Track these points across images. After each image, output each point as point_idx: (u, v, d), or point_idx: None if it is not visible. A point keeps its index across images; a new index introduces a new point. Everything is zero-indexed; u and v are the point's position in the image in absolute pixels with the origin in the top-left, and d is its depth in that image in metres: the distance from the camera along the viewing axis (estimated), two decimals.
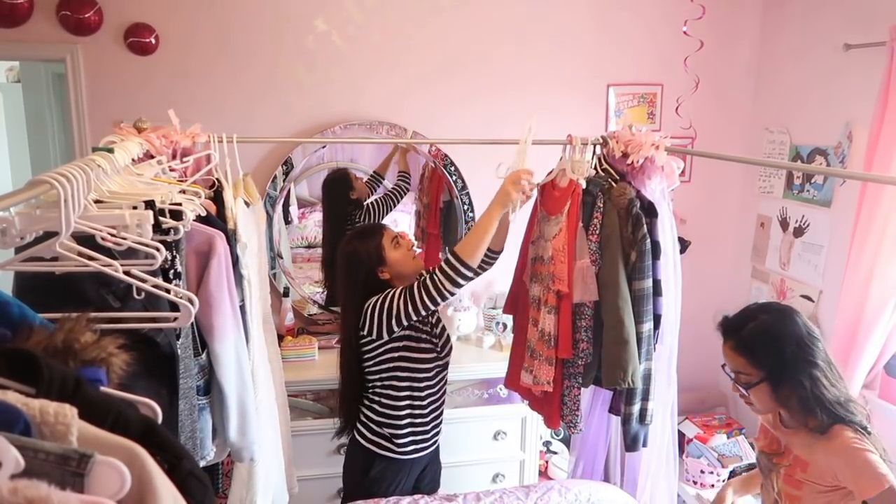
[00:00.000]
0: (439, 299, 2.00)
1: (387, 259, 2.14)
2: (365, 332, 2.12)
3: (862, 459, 1.56)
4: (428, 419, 2.25)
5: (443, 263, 1.99)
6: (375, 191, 3.27)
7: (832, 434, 1.62)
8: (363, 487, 2.24)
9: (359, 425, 2.27)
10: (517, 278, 2.40)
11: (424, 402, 2.22)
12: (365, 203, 3.24)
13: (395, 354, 2.15)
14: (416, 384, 2.20)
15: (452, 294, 2.01)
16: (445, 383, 2.32)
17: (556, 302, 2.10)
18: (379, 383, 2.20)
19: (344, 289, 2.21)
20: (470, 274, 1.98)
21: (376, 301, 2.08)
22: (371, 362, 2.18)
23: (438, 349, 2.23)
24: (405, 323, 2.06)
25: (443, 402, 2.32)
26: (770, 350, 1.65)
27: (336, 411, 2.72)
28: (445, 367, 2.29)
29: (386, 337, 2.11)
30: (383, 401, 2.21)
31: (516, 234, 2.42)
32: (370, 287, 2.14)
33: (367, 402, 2.25)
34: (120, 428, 0.73)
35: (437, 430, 2.32)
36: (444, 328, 2.31)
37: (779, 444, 1.78)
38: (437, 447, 2.39)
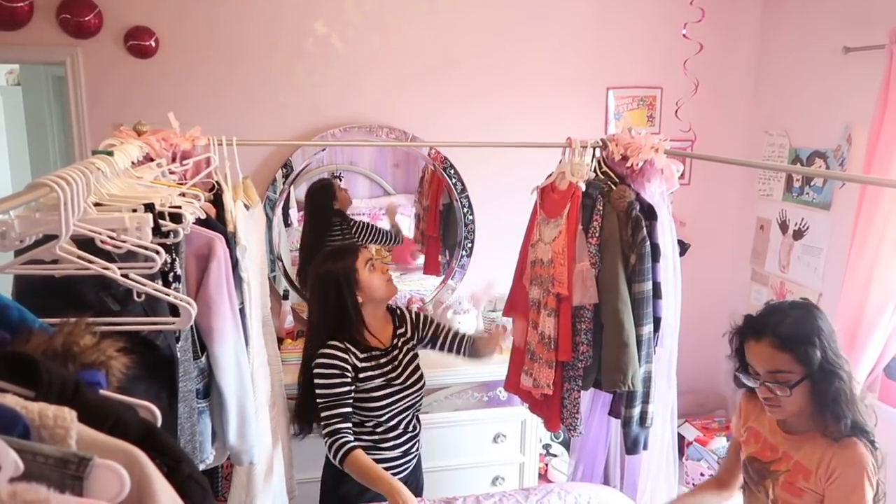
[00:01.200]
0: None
1: (360, 282, 2.10)
2: None
3: (859, 483, 1.54)
4: (392, 450, 2.18)
5: (334, 446, 2.00)
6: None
7: (846, 444, 1.57)
8: (336, 499, 2.21)
9: None
10: (517, 281, 2.40)
11: (381, 437, 2.16)
12: (351, 218, 3.24)
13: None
14: (367, 424, 2.14)
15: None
16: (410, 415, 2.22)
17: (555, 305, 2.09)
18: None
19: (316, 308, 2.16)
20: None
21: (319, 371, 2.07)
22: None
23: (386, 386, 2.14)
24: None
25: (409, 433, 2.22)
26: (812, 345, 1.57)
27: None
28: (410, 405, 2.20)
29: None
30: None
31: (516, 237, 2.42)
32: (344, 311, 2.10)
33: None
34: (119, 431, 0.73)
35: (408, 456, 2.23)
36: (416, 369, 2.22)
37: (774, 449, 1.74)
38: (414, 469, 2.30)
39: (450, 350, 2.34)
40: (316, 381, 2.07)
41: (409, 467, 2.26)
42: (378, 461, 2.06)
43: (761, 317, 1.67)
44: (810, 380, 1.58)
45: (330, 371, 2.07)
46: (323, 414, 2.05)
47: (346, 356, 2.08)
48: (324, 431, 2.04)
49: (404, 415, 2.20)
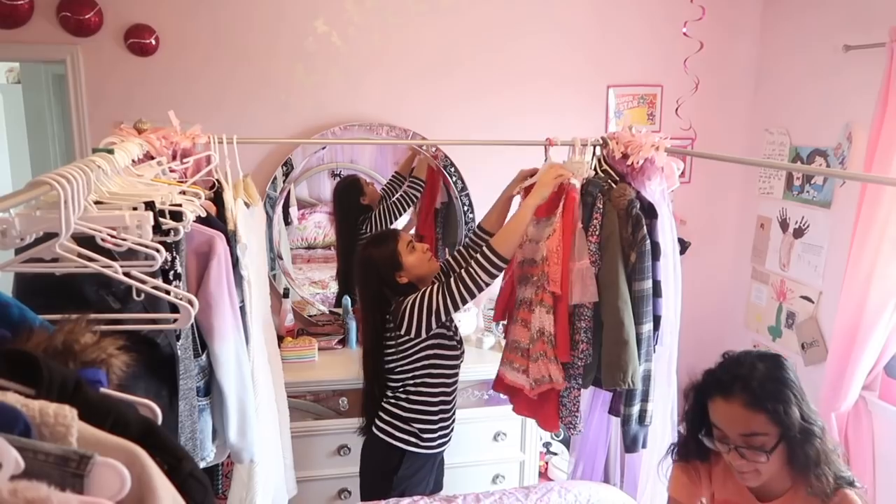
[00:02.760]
0: (476, 291, 2.07)
1: (403, 263, 2.18)
2: (402, 332, 2.14)
3: None
4: (453, 412, 2.35)
5: (479, 256, 2.05)
6: (396, 192, 3.26)
7: (838, 497, 1.43)
8: (391, 485, 2.26)
9: (383, 424, 2.28)
10: (507, 284, 2.37)
11: (451, 397, 2.31)
12: (373, 210, 3.24)
13: (430, 352, 2.21)
14: (446, 380, 2.27)
15: (488, 285, 2.07)
16: (457, 385, 2.39)
17: (552, 302, 2.08)
18: (411, 381, 2.23)
19: (363, 295, 2.27)
20: (504, 265, 2.05)
21: (414, 300, 2.12)
22: (403, 361, 2.21)
23: (459, 346, 2.31)
24: (443, 318, 2.12)
25: (453, 413, 2.39)
26: (789, 402, 1.40)
27: (338, 413, 2.74)
28: (459, 365, 2.36)
29: (424, 335, 2.15)
30: (413, 398, 2.24)
31: None
32: (389, 292, 2.19)
33: (394, 400, 2.27)
34: (119, 429, 0.73)
35: (444, 443, 2.37)
36: (456, 329, 2.37)
37: None
38: (441, 460, 2.47)
39: None
40: (427, 298, 2.09)
41: (442, 450, 2.38)
42: (444, 429, 2.30)
43: (726, 370, 1.48)
44: (787, 441, 1.41)
45: (413, 295, 2.13)
46: (451, 280, 2.07)
47: None
48: (465, 277, 2.05)
49: (457, 384, 2.35)
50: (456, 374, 2.32)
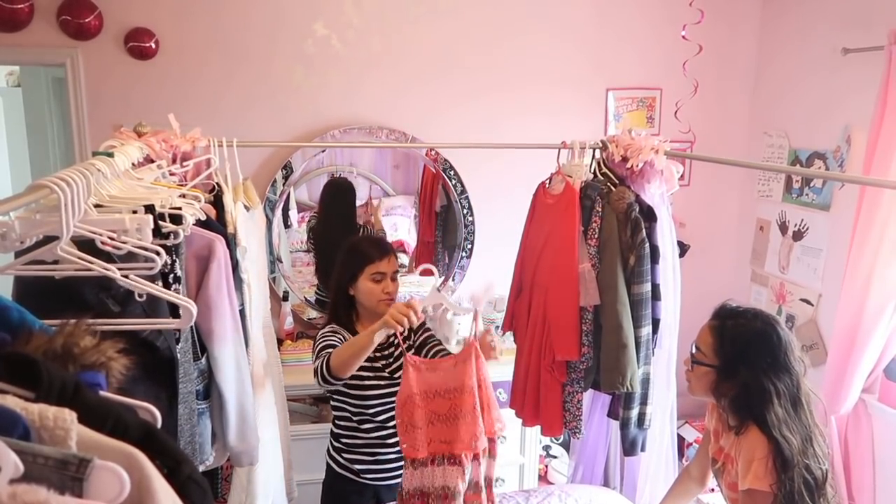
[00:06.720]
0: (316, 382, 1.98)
1: (357, 282, 2.08)
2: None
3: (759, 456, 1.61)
4: (388, 449, 2.12)
5: (320, 362, 1.93)
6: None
7: (750, 430, 1.66)
8: (325, 501, 2.20)
9: (330, 436, 2.21)
10: (513, 296, 2.37)
11: (376, 434, 2.10)
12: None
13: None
14: (350, 416, 2.10)
15: (322, 385, 1.96)
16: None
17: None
18: (333, 400, 2.14)
19: (334, 276, 2.17)
20: (331, 380, 1.91)
21: (319, 333, 2.05)
22: None
23: (371, 388, 2.07)
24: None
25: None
26: (739, 350, 1.68)
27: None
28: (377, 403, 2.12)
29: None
30: (336, 421, 2.16)
31: (517, 238, 2.41)
32: (342, 296, 2.12)
33: (333, 415, 2.19)
34: (119, 432, 0.73)
35: (394, 461, 2.14)
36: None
37: (719, 450, 1.80)
38: None
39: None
40: (314, 346, 2.04)
41: (376, 483, 2.17)
42: (378, 462, 2.09)
43: (731, 307, 1.78)
44: (716, 373, 1.70)
45: (325, 333, 2.05)
46: (314, 365, 1.97)
47: (342, 335, 2.06)
48: (314, 370, 1.97)
49: (377, 426, 2.12)
50: (378, 413, 2.07)
